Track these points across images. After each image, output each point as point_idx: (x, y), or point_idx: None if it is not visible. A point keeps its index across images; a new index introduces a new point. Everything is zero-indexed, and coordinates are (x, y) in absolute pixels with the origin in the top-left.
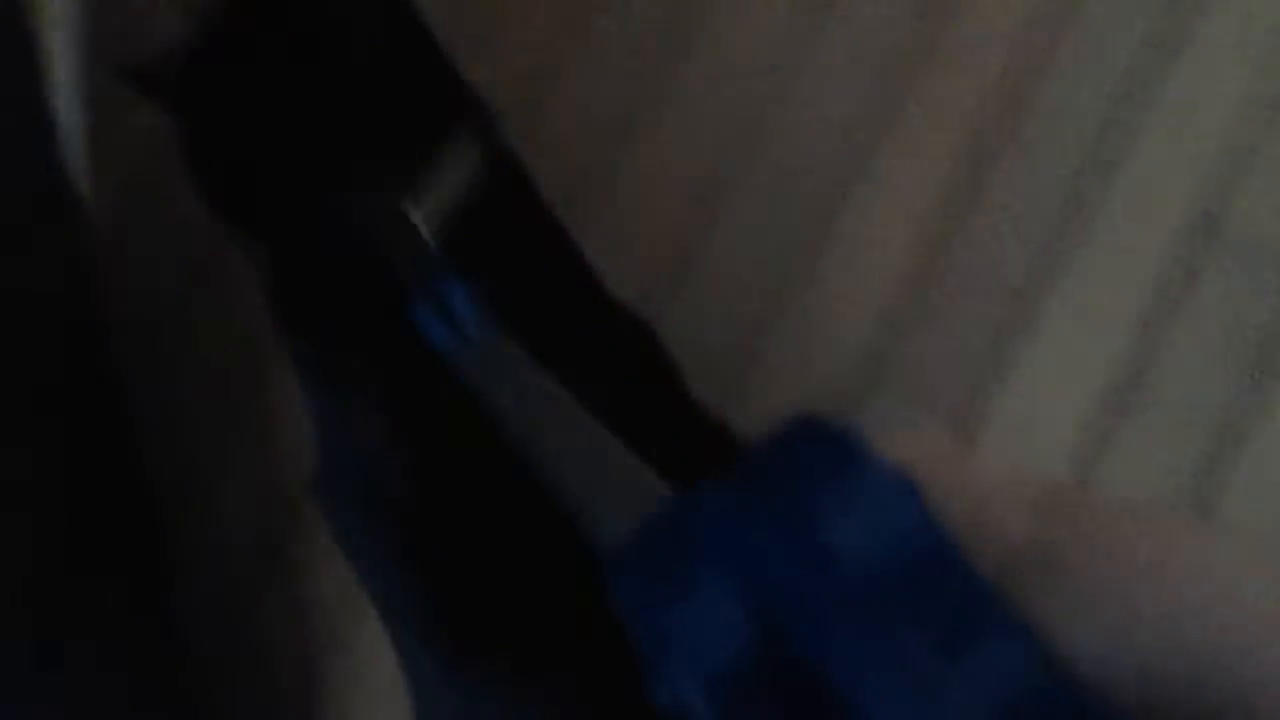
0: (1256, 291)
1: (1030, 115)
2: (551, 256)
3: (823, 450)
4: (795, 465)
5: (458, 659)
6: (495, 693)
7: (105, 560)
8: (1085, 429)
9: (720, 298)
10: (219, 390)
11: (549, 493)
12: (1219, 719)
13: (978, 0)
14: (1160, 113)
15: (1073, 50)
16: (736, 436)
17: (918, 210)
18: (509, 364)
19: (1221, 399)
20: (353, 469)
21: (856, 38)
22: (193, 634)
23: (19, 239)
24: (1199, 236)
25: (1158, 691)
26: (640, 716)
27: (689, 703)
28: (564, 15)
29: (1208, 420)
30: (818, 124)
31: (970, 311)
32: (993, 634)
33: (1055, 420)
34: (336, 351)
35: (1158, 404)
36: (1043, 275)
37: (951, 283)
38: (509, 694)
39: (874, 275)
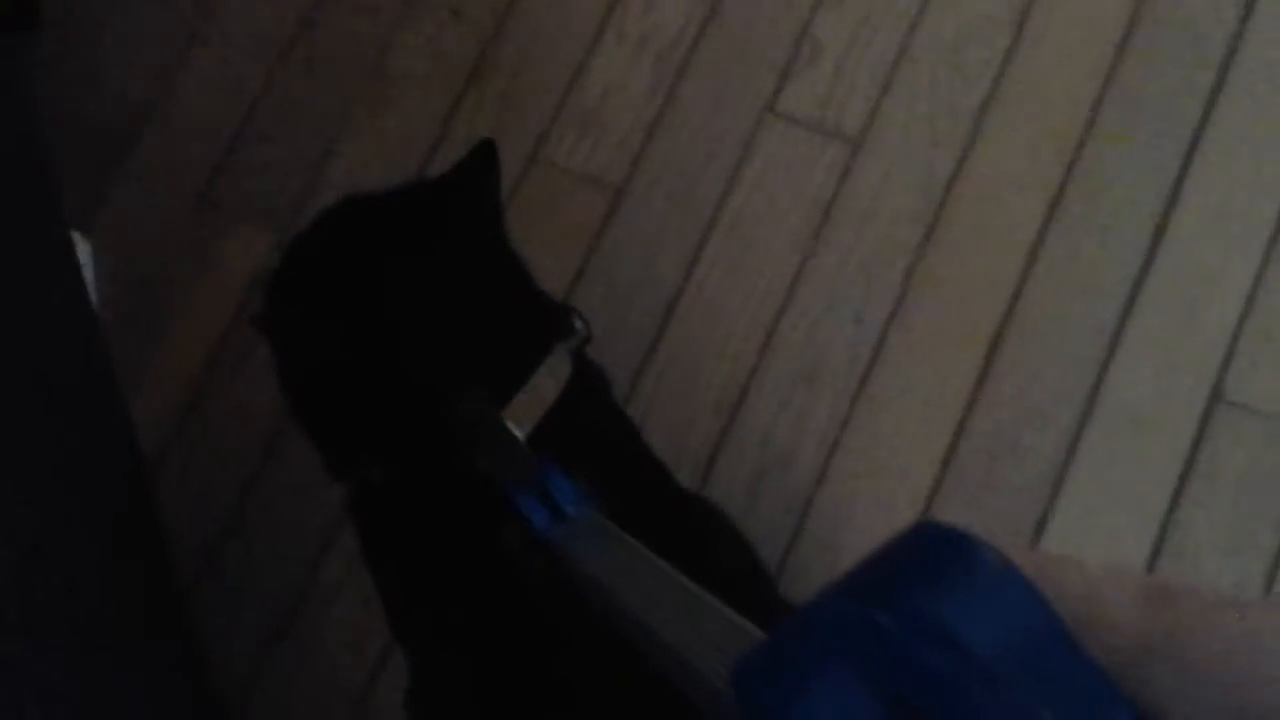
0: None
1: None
2: (623, 446)
3: (940, 548)
4: (915, 562)
5: None
6: None
7: None
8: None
9: (755, 469)
10: (273, 604)
11: (646, 656)
12: None
13: (974, 223)
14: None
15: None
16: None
17: (936, 416)
18: (606, 537)
19: None
20: (447, 684)
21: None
22: None
23: (83, 460)
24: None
25: None
26: None
27: None
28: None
29: None
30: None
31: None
32: (1112, 714)
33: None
34: (429, 567)
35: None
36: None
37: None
38: None
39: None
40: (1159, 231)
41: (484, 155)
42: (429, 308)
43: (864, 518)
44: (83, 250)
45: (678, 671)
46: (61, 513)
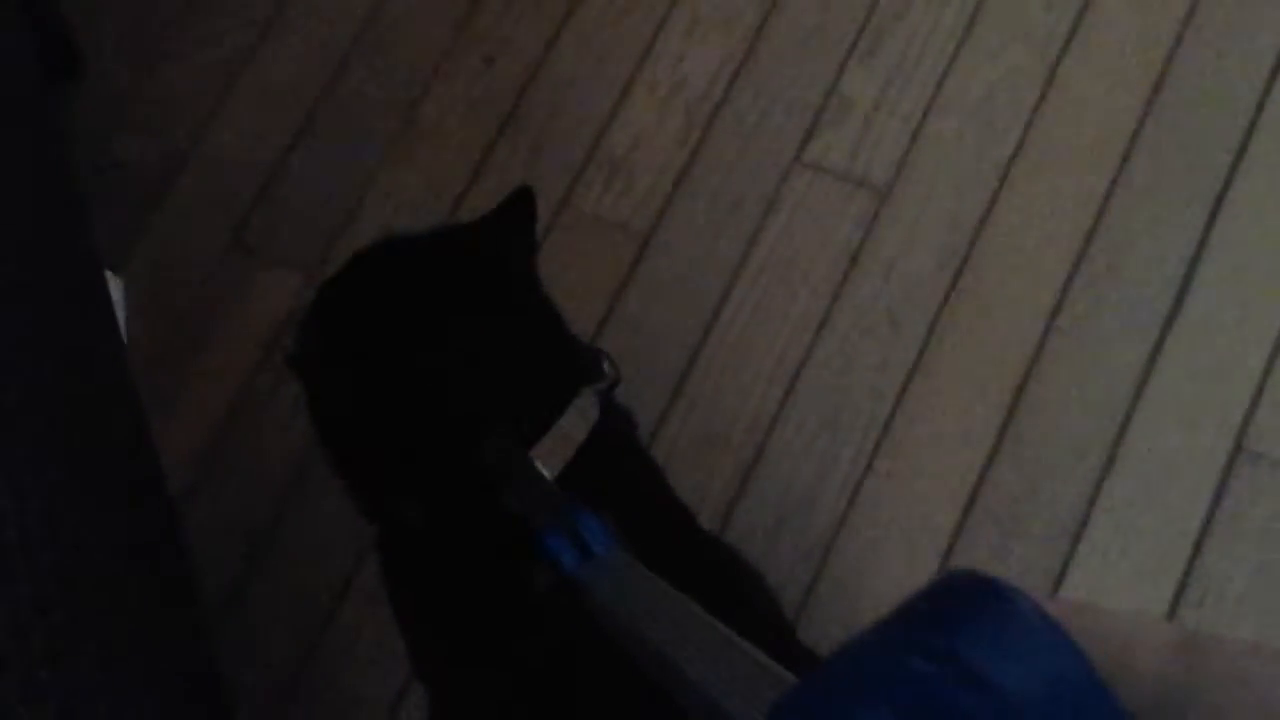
0: None
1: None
2: (647, 489)
3: (974, 595)
4: (949, 609)
5: None
6: None
7: None
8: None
9: (777, 514)
10: (294, 641)
11: (674, 697)
12: None
13: (999, 273)
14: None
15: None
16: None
17: (959, 463)
18: (635, 576)
19: None
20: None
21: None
22: None
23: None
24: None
25: None
26: None
27: None
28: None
29: None
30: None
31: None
32: None
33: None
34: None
35: None
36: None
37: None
38: None
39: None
40: (1184, 284)
41: (522, 201)
42: (460, 348)
43: (885, 564)
44: (115, 288)
45: (707, 712)
46: (86, 542)
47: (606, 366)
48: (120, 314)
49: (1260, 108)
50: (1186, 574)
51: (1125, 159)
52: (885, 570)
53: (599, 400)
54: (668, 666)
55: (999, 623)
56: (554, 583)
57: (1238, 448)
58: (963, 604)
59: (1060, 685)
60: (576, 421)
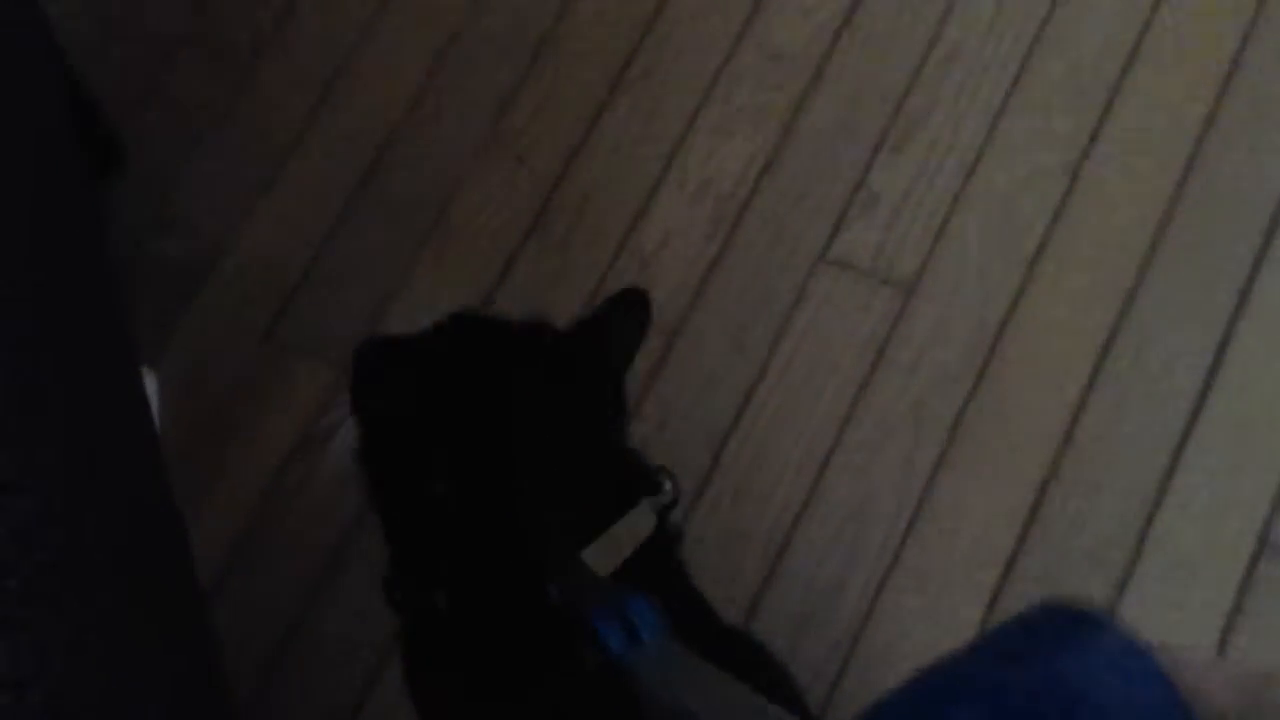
0: None
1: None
2: (681, 586)
3: (1069, 622)
4: (1043, 632)
5: None
6: None
7: None
8: None
9: (802, 607)
10: None
11: None
12: None
13: (1025, 369)
14: None
15: None
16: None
17: (984, 558)
18: (681, 659)
19: None
20: None
21: None
22: None
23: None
24: None
25: None
26: None
27: None
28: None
29: None
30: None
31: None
32: None
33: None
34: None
35: None
36: None
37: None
38: None
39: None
40: (1209, 379)
41: (634, 307)
42: (531, 438)
43: (912, 657)
44: (149, 382)
45: None
46: (122, 636)
47: (667, 484)
48: (154, 407)
49: None
50: None
51: (1150, 252)
52: (912, 662)
53: (656, 515)
54: None
55: (1095, 645)
56: (602, 664)
57: (1262, 543)
58: (1059, 628)
59: (1150, 705)
60: (630, 530)
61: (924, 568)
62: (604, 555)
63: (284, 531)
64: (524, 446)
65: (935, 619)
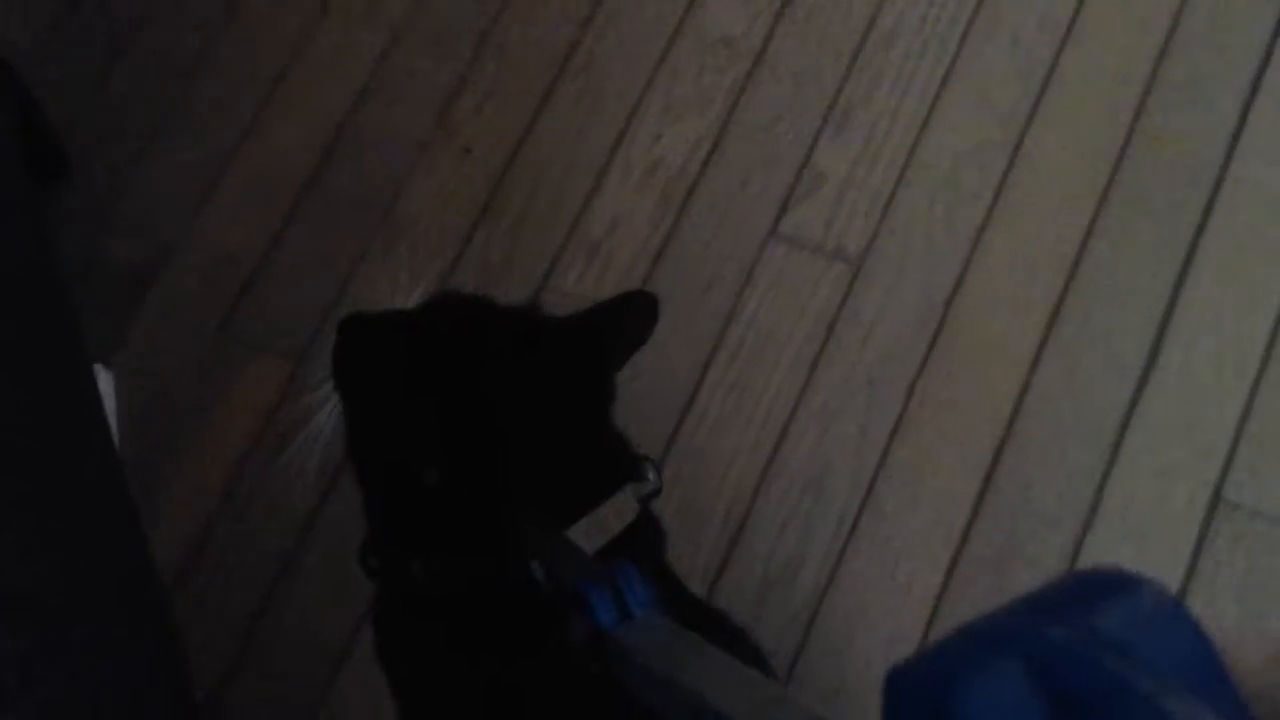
0: None
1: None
2: (664, 570)
3: (1110, 582)
4: (1083, 591)
5: None
6: None
7: None
8: None
9: (762, 579)
10: None
11: None
12: None
13: (974, 338)
14: None
15: None
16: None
17: (941, 525)
18: (667, 629)
19: None
20: None
21: None
22: None
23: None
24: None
25: None
26: None
27: None
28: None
29: None
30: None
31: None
32: None
33: None
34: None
35: None
36: None
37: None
38: None
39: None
40: (1157, 342)
41: (645, 310)
42: (519, 415)
43: (872, 625)
44: (104, 380)
45: None
46: (67, 638)
47: (651, 474)
48: (110, 405)
49: (1225, 166)
50: None
51: (1092, 222)
52: (872, 631)
53: (638, 502)
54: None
55: (1134, 603)
56: (587, 636)
57: (1215, 503)
58: (1097, 589)
59: (1190, 658)
60: (615, 513)
61: (882, 537)
62: (587, 536)
63: (244, 525)
64: (511, 424)
65: (894, 588)
